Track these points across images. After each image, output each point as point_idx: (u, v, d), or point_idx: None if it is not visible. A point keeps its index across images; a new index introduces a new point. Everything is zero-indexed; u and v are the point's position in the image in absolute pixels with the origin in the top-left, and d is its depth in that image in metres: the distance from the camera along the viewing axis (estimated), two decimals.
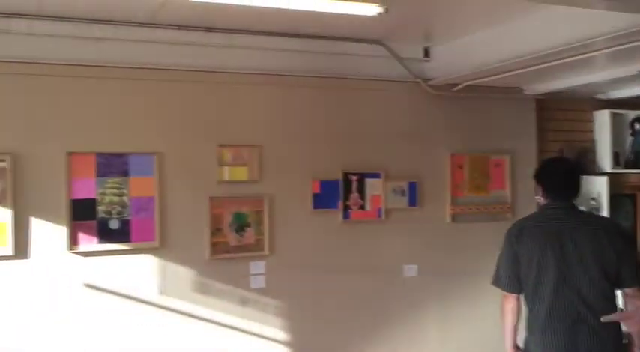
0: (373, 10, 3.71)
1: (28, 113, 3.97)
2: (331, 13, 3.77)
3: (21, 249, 3.93)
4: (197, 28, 4.22)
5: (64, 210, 4.01)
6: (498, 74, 4.53)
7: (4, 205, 3.90)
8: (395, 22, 4.16)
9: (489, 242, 5.01)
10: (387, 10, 3.69)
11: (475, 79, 4.76)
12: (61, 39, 4.00)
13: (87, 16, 3.95)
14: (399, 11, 3.80)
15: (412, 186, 4.94)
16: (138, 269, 4.20)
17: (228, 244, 4.40)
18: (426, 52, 4.94)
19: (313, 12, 3.71)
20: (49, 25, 3.93)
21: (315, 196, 4.62)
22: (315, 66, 4.60)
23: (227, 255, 4.38)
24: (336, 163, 4.70)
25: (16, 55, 3.92)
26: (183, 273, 4.29)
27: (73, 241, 4.04)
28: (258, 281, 4.47)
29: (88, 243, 4.08)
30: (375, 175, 4.82)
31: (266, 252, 4.48)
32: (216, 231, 4.36)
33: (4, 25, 3.85)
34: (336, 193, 4.69)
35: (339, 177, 4.70)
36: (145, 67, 4.19)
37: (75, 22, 3.97)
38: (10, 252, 3.89)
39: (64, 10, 3.85)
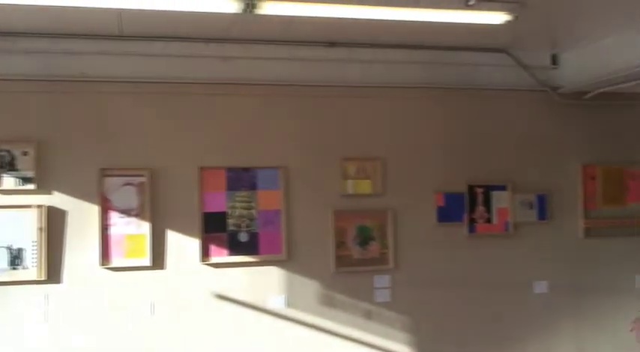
0: (501, 18, 3.63)
1: (164, 130, 4.18)
2: (455, 23, 3.71)
3: (158, 259, 4.12)
4: (320, 43, 4.28)
5: (197, 223, 4.17)
6: (636, 80, 4.26)
7: (143, 218, 4.10)
8: (521, 29, 4.02)
9: (627, 258, 4.75)
10: (516, 18, 3.60)
11: (609, 85, 4.52)
12: (193, 59, 4.18)
13: (218, 35, 4.11)
14: (525, 18, 3.68)
15: (541, 199, 4.74)
16: (265, 281, 4.28)
17: (353, 257, 4.41)
18: (554, 59, 4.74)
19: (437, 23, 3.67)
20: (182, 45, 4.12)
21: (440, 209, 4.55)
22: (439, 77, 4.55)
23: (351, 268, 4.39)
24: (461, 175, 4.61)
25: (153, 75, 4.14)
26: (309, 286, 4.33)
27: (205, 253, 4.19)
28: (383, 295, 4.44)
29: (219, 255, 4.21)
30: (501, 187, 4.68)
31: (390, 265, 4.45)
32: (340, 244, 4.38)
33: (144, 47, 4.07)
34: (461, 206, 4.59)
35: (464, 189, 4.60)
36: (272, 83, 4.31)
37: (206, 42, 4.14)
38: (148, 262, 4.09)
39: (196, 31, 4.02)
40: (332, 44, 4.30)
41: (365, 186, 4.44)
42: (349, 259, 4.39)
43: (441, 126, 4.61)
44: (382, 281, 4.43)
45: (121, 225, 4.08)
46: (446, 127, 4.62)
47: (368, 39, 4.29)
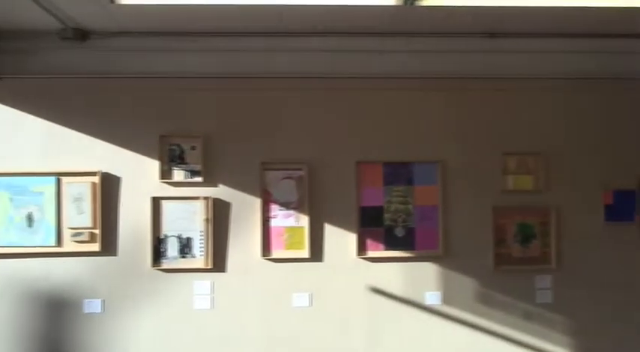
0: None
1: (322, 124, 4.22)
2: (626, 8, 3.47)
3: (316, 252, 4.18)
4: (480, 34, 4.15)
5: (354, 217, 4.19)
6: None
7: (302, 211, 4.18)
8: None
9: None
10: None
11: None
12: (351, 53, 4.19)
13: (376, 29, 4.08)
14: None
15: None
16: (421, 277, 4.23)
17: (512, 256, 4.25)
18: None
19: (605, 8, 3.45)
20: (341, 40, 4.14)
21: (608, 207, 4.28)
22: (607, 66, 4.28)
23: (511, 267, 4.24)
24: (631, 172, 4.31)
25: (311, 70, 4.20)
26: (466, 283, 4.23)
27: (362, 247, 4.20)
28: (544, 296, 4.25)
29: (375, 249, 4.21)
30: None
31: (553, 265, 4.25)
32: (500, 241, 4.23)
33: (303, 43, 4.13)
34: (632, 204, 4.29)
35: (635, 186, 4.29)
36: (430, 76, 4.22)
37: (364, 36, 4.13)
38: (306, 254, 4.16)
39: (354, 25, 4.02)
40: (492, 35, 4.15)
41: (526, 182, 4.26)
42: (509, 257, 4.24)
43: (610, 118, 4.33)
44: (544, 281, 4.24)
45: (281, 218, 4.18)
46: (615, 119, 4.34)
47: (529, 28, 4.10)
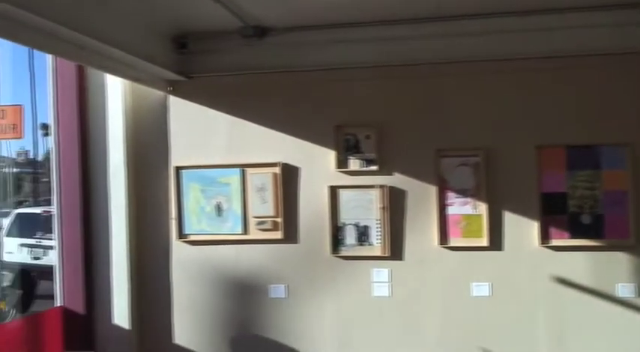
0: None
1: (497, 109, 4.10)
2: None
3: (495, 240, 4.07)
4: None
5: (535, 203, 4.02)
6: None
7: (479, 198, 4.08)
8: None
9: None
10: None
11: None
12: (517, 34, 3.94)
13: (536, 6, 3.83)
14: None
15: None
16: (611, 267, 3.97)
17: None
18: None
19: None
20: (502, 21, 3.89)
21: None
22: None
23: None
24: None
25: (479, 54, 4.03)
26: None
27: (544, 235, 4.02)
28: None
29: (560, 237, 4.02)
30: None
31: None
32: None
33: (467, 26, 3.96)
34: None
35: None
36: (612, 52, 3.93)
37: (524, 15, 3.88)
38: (485, 243, 4.06)
39: (514, 4, 3.83)
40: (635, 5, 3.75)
41: None
42: None
43: None
44: None
45: (458, 205, 4.11)
46: None
47: None
